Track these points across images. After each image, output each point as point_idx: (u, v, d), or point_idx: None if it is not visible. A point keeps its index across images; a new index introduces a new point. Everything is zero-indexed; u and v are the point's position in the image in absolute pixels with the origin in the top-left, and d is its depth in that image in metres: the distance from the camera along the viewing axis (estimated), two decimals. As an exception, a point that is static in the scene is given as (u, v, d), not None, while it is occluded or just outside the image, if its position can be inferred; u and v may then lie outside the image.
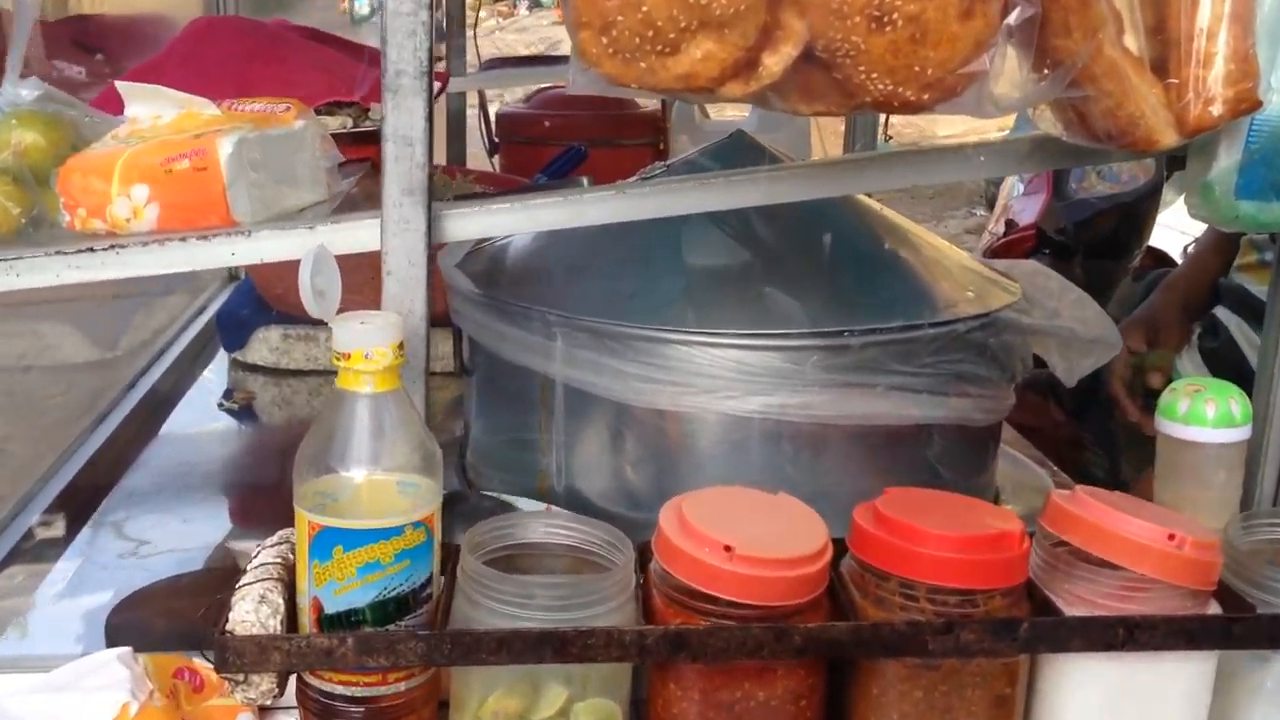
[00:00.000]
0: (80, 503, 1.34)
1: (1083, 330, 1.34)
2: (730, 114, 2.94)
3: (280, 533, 0.91)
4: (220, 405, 1.71)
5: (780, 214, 1.23)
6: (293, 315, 1.78)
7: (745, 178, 1.01)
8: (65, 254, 0.90)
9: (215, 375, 1.86)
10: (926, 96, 0.80)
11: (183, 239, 0.92)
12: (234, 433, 1.69)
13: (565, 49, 0.81)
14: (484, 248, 1.34)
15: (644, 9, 0.76)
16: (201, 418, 1.71)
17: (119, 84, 0.98)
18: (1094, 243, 2.30)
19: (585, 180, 1.91)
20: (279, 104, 1.00)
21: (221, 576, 0.92)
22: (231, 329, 1.81)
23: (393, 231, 0.89)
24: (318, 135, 1.01)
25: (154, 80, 1.31)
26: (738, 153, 1.40)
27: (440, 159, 2.11)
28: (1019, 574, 0.84)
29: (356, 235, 0.92)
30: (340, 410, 0.83)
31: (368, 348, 0.81)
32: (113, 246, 0.91)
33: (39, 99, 0.98)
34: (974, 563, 0.82)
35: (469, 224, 0.93)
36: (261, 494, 1.45)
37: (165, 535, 1.28)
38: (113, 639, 1.04)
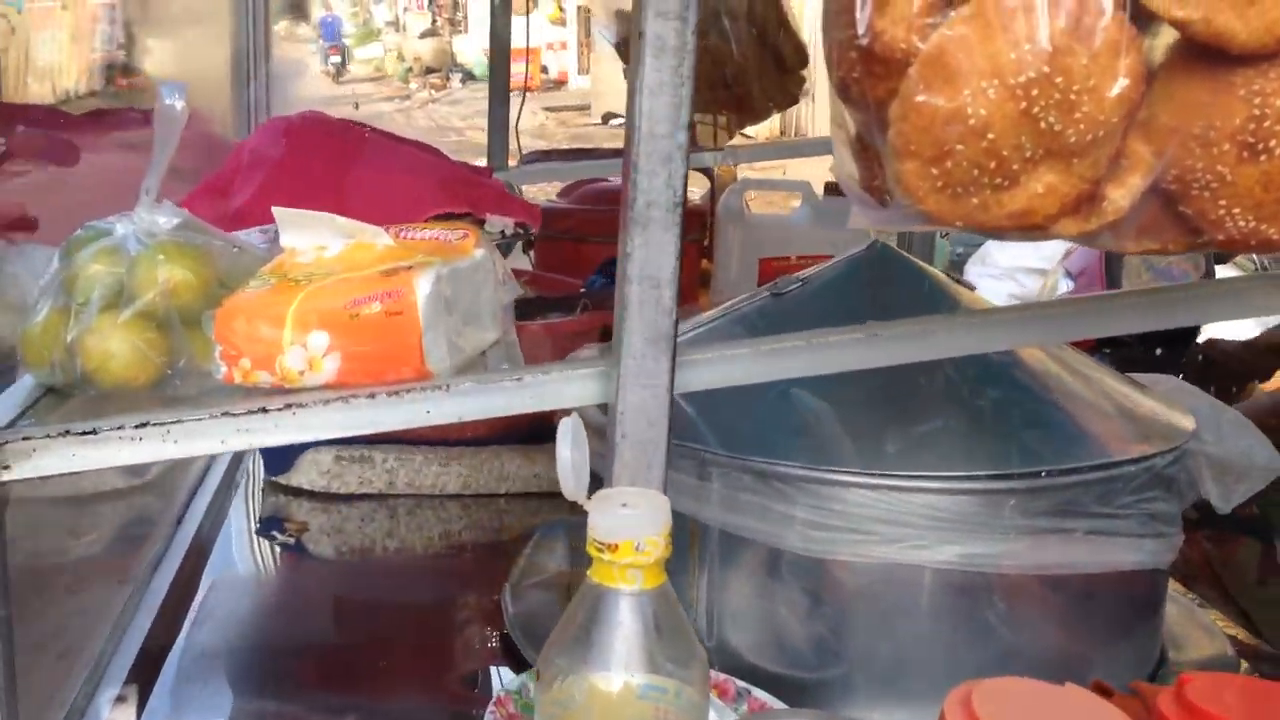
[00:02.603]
0: (144, 681, 1.15)
1: (1252, 457, 1.25)
2: (774, 206, 2.82)
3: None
4: (273, 538, 1.53)
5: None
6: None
7: (1021, 316, 0.89)
8: (233, 416, 0.75)
9: (248, 501, 1.68)
10: (1292, 235, 0.69)
11: (370, 395, 0.76)
12: (293, 571, 1.51)
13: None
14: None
15: (990, 136, 0.64)
16: (249, 555, 1.52)
17: (276, 210, 0.83)
18: (1151, 338, 2.22)
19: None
20: (454, 230, 0.86)
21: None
22: (277, 450, 1.63)
23: (632, 388, 0.75)
24: (499, 264, 0.87)
25: (246, 189, 1.18)
26: (879, 265, 1.30)
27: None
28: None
29: (578, 390, 0.78)
30: (601, 610, 0.69)
31: (640, 538, 0.68)
32: (289, 406, 0.75)
33: (178, 228, 0.82)
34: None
35: (708, 373, 0.79)
36: (345, 653, 1.27)
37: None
38: None
